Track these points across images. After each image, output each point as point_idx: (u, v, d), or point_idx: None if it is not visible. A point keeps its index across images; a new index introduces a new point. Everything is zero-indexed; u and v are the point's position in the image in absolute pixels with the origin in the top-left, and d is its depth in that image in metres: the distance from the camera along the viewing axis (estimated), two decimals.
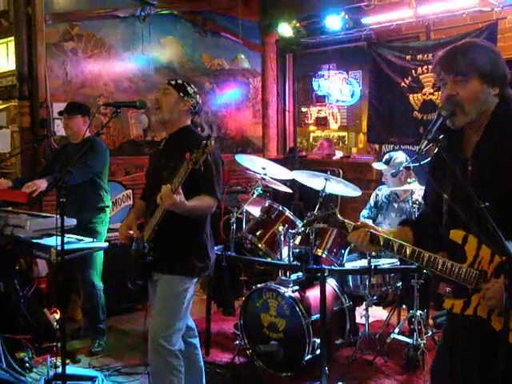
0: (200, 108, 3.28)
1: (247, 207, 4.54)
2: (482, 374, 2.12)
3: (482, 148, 2.10)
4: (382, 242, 2.18)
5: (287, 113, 8.27)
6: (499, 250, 1.83)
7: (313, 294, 4.17)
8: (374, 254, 4.16)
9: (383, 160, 4.97)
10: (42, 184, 4.12)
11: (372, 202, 5.08)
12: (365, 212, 5.09)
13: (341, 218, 2.31)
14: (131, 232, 3.20)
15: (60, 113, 4.65)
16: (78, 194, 4.22)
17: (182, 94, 3.14)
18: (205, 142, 2.64)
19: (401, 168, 4.56)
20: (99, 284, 4.58)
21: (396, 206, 4.89)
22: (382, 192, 5.04)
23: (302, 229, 4.15)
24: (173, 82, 3.18)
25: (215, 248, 4.23)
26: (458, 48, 2.10)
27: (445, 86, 2.11)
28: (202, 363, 3.46)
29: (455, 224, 2.06)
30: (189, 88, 3.18)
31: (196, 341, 3.44)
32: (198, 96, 3.22)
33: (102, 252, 4.48)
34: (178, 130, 3.18)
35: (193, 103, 3.18)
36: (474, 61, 2.04)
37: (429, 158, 2.33)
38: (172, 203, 2.75)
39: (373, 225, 2.30)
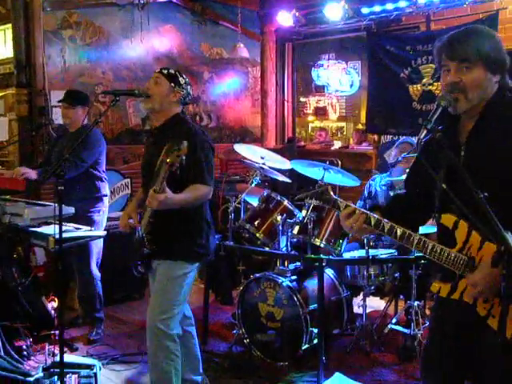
0: (190, 99, 3.29)
1: (245, 197, 4.54)
2: (466, 358, 2.17)
3: (476, 134, 2.10)
4: (373, 223, 2.17)
5: (286, 103, 8.25)
6: (497, 239, 1.83)
7: (311, 283, 4.18)
8: (371, 243, 4.19)
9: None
10: (32, 173, 4.22)
11: (366, 192, 5.07)
12: (359, 204, 5.09)
13: (333, 195, 2.29)
14: (131, 221, 3.20)
15: (62, 101, 4.60)
16: (74, 184, 4.21)
17: (173, 84, 3.14)
18: (178, 146, 2.67)
19: (400, 158, 4.55)
20: (96, 273, 4.57)
21: (392, 194, 4.88)
22: (376, 182, 5.04)
23: (300, 216, 4.15)
24: (165, 72, 3.17)
25: None
26: (462, 34, 2.08)
27: (447, 72, 2.10)
28: (199, 352, 3.48)
29: (447, 209, 2.06)
30: (180, 78, 3.17)
31: (193, 329, 3.45)
32: (189, 87, 3.22)
33: (99, 241, 4.47)
34: (168, 119, 3.18)
35: (183, 94, 3.17)
36: (478, 47, 2.02)
37: None
38: (159, 203, 2.80)
39: (361, 208, 2.26)
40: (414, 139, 5.33)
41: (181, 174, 2.86)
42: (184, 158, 2.76)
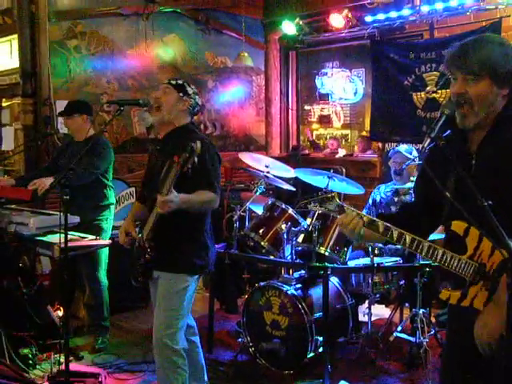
0: (199, 110, 3.31)
1: (250, 205, 4.54)
2: (477, 366, 2.15)
3: (487, 144, 2.09)
4: (380, 229, 2.14)
5: (290, 111, 8.27)
6: (501, 247, 1.83)
7: (315, 292, 4.17)
8: (376, 251, 4.19)
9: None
10: (48, 181, 4.13)
11: (370, 201, 5.08)
12: (364, 212, 5.08)
13: (339, 201, 2.27)
14: (130, 235, 3.21)
15: (60, 113, 4.64)
16: (81, 192, 4.22)
17: (181, 94, 3.16)
18: (192, 145, 2.66)
19: (404, 166, 4.55)
20: (104, 281, 4.58)
21: (396, 199, 4.89)
22: (381, 190, 5.05)
23: (305, 224, 4.15)
24: (173, 82, 3.20)
25: (218, 246, 4.27)
26: (470, 45, 2.04)
27: (454, 81, 2.09)
28: (203, 360, 3.48)
29: (457, 215, 2.03)
30: (188, 88, 3.21)
31: (196, 338, 3.46)
32: (197, 97, 3.25)
33: (107, 249, 4.49)
34: (175, 129, 3.19)
35: (192, 103, 3.20)
36: (486, 60, 2.00)
37: None
38: (169, 206, 2.81)
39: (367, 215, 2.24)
40: (418, 146, 5.35)
41: (188, 180, 2.86)
42: (196, 159, 2.76)
